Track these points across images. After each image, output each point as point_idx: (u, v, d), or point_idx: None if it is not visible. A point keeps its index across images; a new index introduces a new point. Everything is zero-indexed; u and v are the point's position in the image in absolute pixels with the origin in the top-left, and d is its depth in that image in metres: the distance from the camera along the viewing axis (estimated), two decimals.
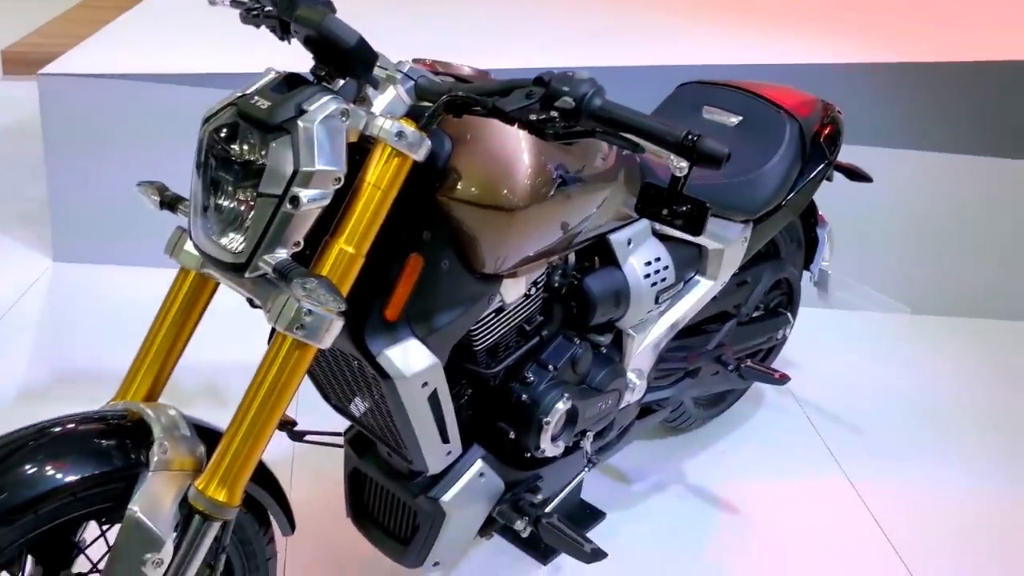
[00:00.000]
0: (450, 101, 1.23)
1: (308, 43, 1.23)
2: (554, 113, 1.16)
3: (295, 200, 1.13)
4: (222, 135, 1.20)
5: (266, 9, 1.39)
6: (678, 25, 3.59)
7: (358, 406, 1.54)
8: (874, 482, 2.34)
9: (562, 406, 1.60)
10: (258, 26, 1.42)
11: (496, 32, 3.29)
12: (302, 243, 1.18)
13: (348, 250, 1.21)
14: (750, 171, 1.94)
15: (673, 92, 2.17)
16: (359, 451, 1.67)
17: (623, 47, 3.24)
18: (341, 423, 1.66)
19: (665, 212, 1.18)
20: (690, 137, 1.12)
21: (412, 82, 1.28)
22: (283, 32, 1.38)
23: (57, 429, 1.22)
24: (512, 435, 1.61)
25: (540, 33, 3.38)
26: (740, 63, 3.00)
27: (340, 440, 1.72)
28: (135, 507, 1.17)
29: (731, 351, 2.13)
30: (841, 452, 2.45)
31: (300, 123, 1.14)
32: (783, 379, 2.16)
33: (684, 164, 1.12)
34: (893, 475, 2.39)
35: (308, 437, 1.69)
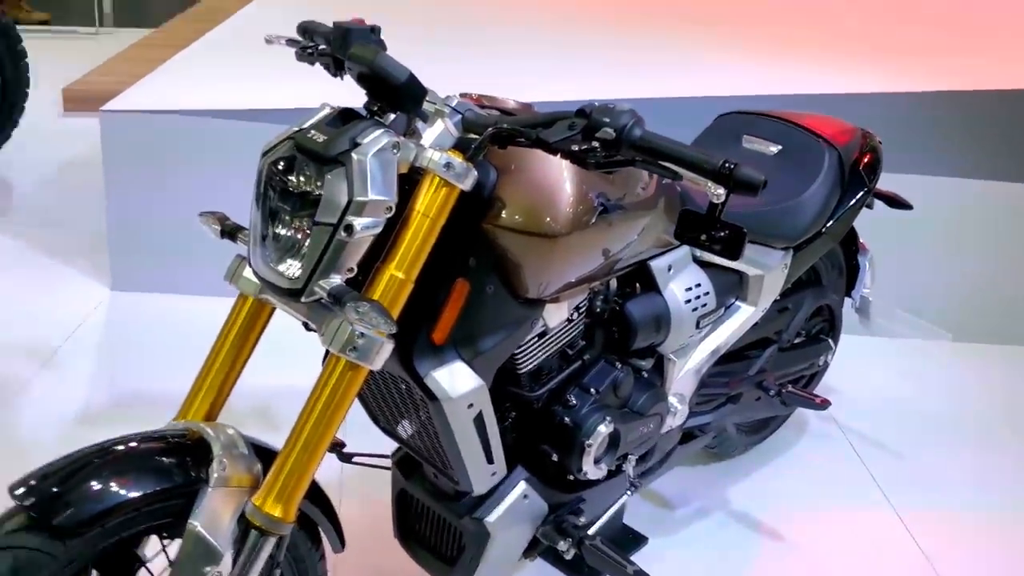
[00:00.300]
0: (495, 133, 1.28)
1: (361, 79, 1.29)
2: (595, 143, 1.21)
3: (349, 228, 1.19)
4: (280, 167, 1.27)
5: (320, 47, 1.47)
6: (716, 57, 3.64)
7: (405, 428, 1.59)
8: (919, 509, 2.33)
9: (604, 429, 1.63)
10: (312, 63, 1.49)
11: (538, 67, 3.37)
12: (355, 269, 1.24)
13: (398, 275, 1.26)
14: (789, 199, 1.97)
15: (713, 122, 2.21)
16: (406, 473, 1.72)
17: (663, 79, 3.29)
18: (388, 446, 1.71)
19: (703, 237, 1.22)
20: (727, 165, 1.16)
21: (459, 116, 1.33)
22: (336, 69, 1.46)
23: (121, 447, 1.29)
24: (555, 457, 1.64)
25: (582, 67, 3.45)
26: (778, 93, 3.03)
27: (387, 462, 1.76)
28: (196, 522, 1.23)
29: (773, 377, 2.14)
30: (885, 479, 2.44)
31: (354, 155, 1.20)
32: (824, 404, 2.17)
33: (721, 191, 1.16)
34: (938, 502, 2.37)
35: (357, 459, 1.74)
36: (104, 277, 3.01)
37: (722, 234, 1.21)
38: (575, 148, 1.23)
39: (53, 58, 3.97)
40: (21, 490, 1.19)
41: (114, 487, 1.22)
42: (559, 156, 1.25)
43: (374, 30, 1.40)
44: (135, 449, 1.29)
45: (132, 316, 2.87)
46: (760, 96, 2.95)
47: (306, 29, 1.52)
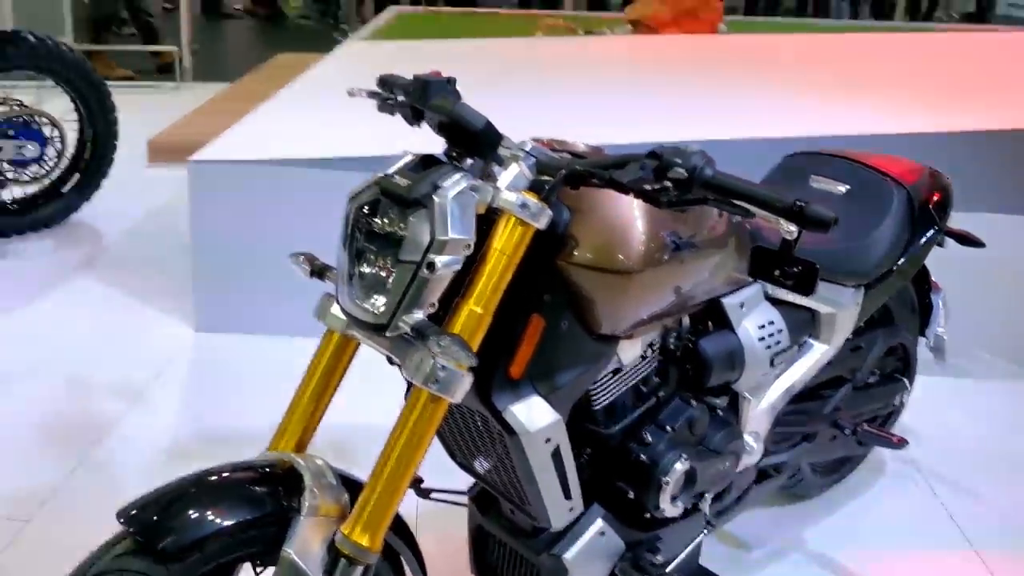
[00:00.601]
0: (569, 174, 1.34)
1: (441, 128, 1.36)
2: (668, 183, 1.25)
3: (431, 265, 1.25)
4: (366, 210, 1.34)
5: (399, 99, 1.55)
6: (780, 99, 3.66)
7: (482, 463, 1.62)
8: (1001, 550, 2.28)
9: (680, 467, 1.64)
10: (392, 114, 1.57)
11: (602, 113, 3.43)
12: (437, 305, 1.30)
13: (477, 310, 1.31)
14: (859, 237, 1.98)
15: (780, 162, 2.23)
16: (483, 509, 1.75)
17: (729, 121, 3.33)
18: (463, 483, 1.75)
19: (777, 273, 1.25)
20: (798, 203, 1.19)
21: (533, 159, 1.39)
22: (415, 118, 1.52)
23: (218, 476, 1.35)
24: (631, 494, 1.66)
25: (647, 112, 3.50)
26: (844, 134, 3.04)
27: (464, 498, 1.80)
28: (290, 549, 1.28)
29: (848, 416, 2.13)
30: (965, 520, 2.39)
31: (436, 198, 1.27)
32: (901, 443, 2.14)
33: (793, 228, 1.19)
34: (1020, 545, 2.32)
35: (434, 495, 1.78)
36: (188, 318, 3.13)
37: (795, 270, 1.24)
38: (648, 187, 1.27)
39: (136, 112, 4.16)
40: (128, 516, 1.26)
41: (214, 514, 1.28)
42: (632, 195, 1.30)
43: (450, 81, 1.47)
44: (231, 478, 1.35)
45: (216, 356, 2.98)
46: (825, 136, 2.96)
47: (385, 81, 1.60)
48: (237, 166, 2.90)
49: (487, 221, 1.34)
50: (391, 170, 1.35)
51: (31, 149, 3.65)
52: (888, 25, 8.05)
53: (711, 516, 1.85)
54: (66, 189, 3.88)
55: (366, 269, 1.35)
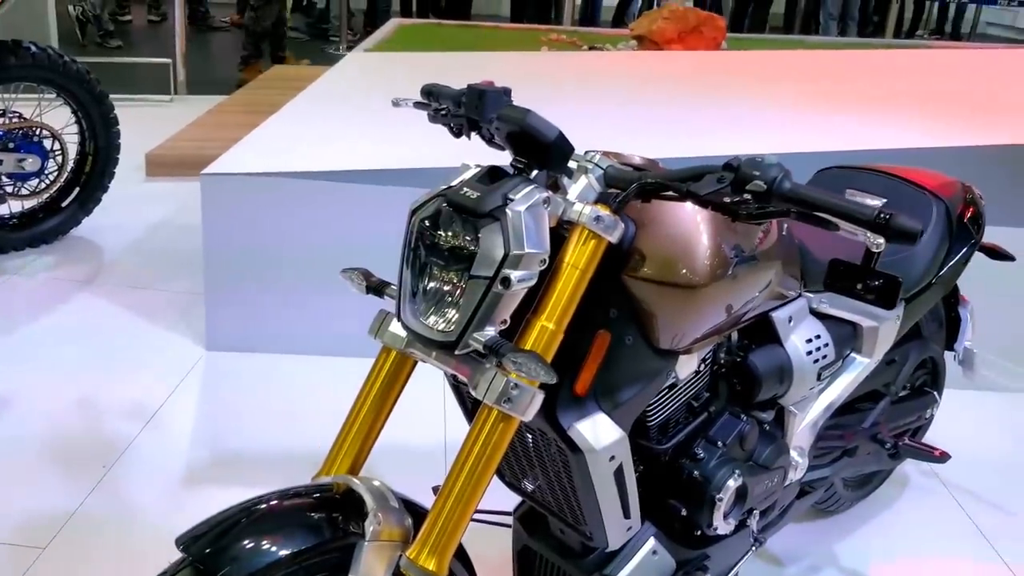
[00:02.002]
0: (642, 187, 1.31)
1: (509, 138, 1.33)
2: (747, 196, 1.23)
3: (506, 281, 1.22)
4: (431, 224, 1.30)
5: (451, 110, 1.51)
6: (799, 114, 3.67)
7: (533, 482, 1.59)
8: None
9: (733, 483, 1.62)
10: (446, 124, 1.54)
11: (639, 127, 3.42)
12: (509, 321, 1.26)
13: (549, 326, 1.28)
14: (900, 251, 1.96)
15: (813, 177, 2.22)
16: (529, 529, 1.71)
17: (760, 136, 3.32)
18: (506, 503, 1.71)
19: (859, 287, 1.23)
20: (883, 215, 1.16)
21: (601, 171, 1.36)
22: (471, 128, 1.49)
23: (276, 502, 1.30)
24: (684, 512, 1.63)
25: (684, 126, 3.49)
26: (874, 148, 3.04)
27: (508, 519, 1.76)
28: None
29: (886, 429, 2.12)
30: (993, 533, 2.39)
31: (508, 211, 1.23)
32: (944, 456, 2.13)
33: (881, 240, 1.17)
34: None
35: (477, 516, 1.74)
36: (199, 337, 3.07)
37: (877, 283, 1.22)
38: (726, 200, 1.24)
39: (131, 125, 4.09)
40: (187, 543, 1.21)
41: (275, 542, 1.23)
42: (710, 208, 1.27)
43: (506, 92, 1.44)
44: (290, 504, 1.30)
45: (230, 376, 2.92)
46: (855, 151, 2.96)
47: (431, 92, 1.56)
48: (250, 179, 2.84)
49: (555, 234, 1.30)
50: (455, 182, 1.32)
51: (31, 162, 3.57)
52: (880, 42, 8.12)
53: (758, 532, 1.83)
54: (66, 203, 3.81)
55: (430, 284, 1.31)
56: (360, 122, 3.34)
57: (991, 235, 2.31)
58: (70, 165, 3.78)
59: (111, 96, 3.85)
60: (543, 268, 1.26)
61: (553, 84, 4.10)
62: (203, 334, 3.06)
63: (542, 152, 1.29)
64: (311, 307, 2.92)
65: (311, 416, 2.63)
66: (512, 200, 1.24)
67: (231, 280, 2.94)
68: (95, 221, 3.92)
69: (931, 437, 2.55)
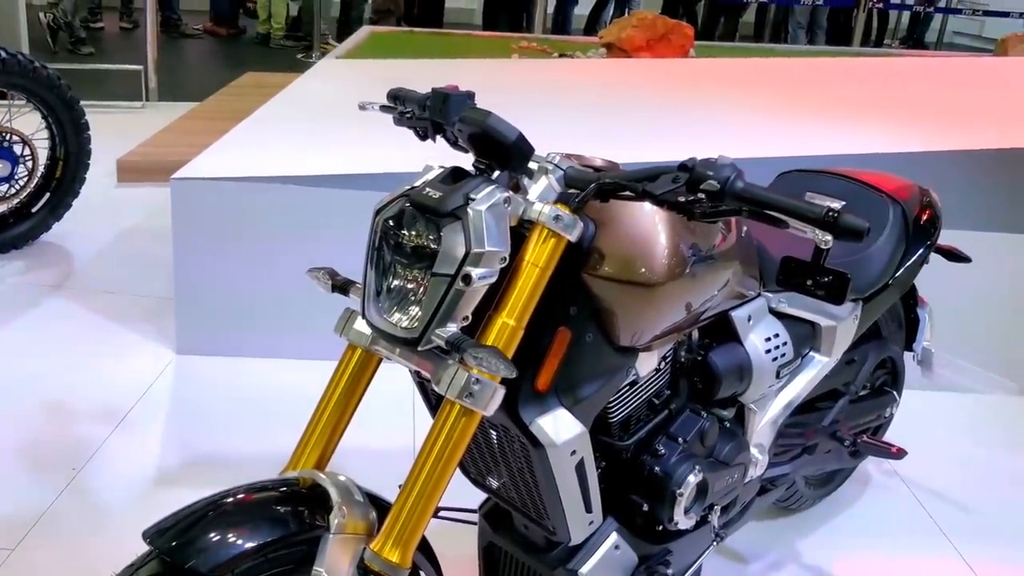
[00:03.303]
0: (600, 187, 1.35)
1: (471, 140, 1.36)
2: (701, 195, 1.27)
3: (467, 278, 1.25)
4: (395, 223, 1.33)
5: (417, 113, 1.54)
6: (763, 121, 3.73)
7: (497, 478, 1.62)
8: (988, 560, 2.33)
9: (693, 479, 1.65)
10: (411, 127, 1.57)
11: (595, 132, 3.46)
12: (470, 318, 1.29)
13: (510, 323, 1.31)
14: (857, 252, 2.01)
15: (773, 181, 2.27)
16: (495, 525, 1.74)
17: (723, 140, 3.38)
18: (469, 501, 1.73)
19: (809, 283, 1.27)
20: (831, 213, 1.21)
21: (561, 172, 1.39)
22: (435, 131, 1.52)
23: (242, 495, 1.32)
24: (645, 507, 1.66)
25: (640, 132, 3.54)
26: (833, 153, 3.10)
27: (474, 516, 1.79)
28: (321, 568, 1.26)
29: (846, 428, 2.16)
30: (953, 531, 2.44)
31: (469, 210, 1.27)
32: (900, 453, 2.18)
33: (829, 237, 1.21)
34: (1008, 555, 2.37)
35: (443, 513, 1.77)
36: (169, 341, 3.07)
37: (827, 279, 1.26)
38: (680, 200, 1.28)
39: (102, 131, 4.09)
40: (154, 536, 1.23)
41: (241, 534, 1.25)
42: (665, 207, 1.31)
43: (470, 95, 1.47)
44: (256, 497, 1.32)
45: (199, 379, 2.93)
46: (815, 156, 3.02)
47: (397, 96, 1.59)
48: (221, 184, 2.86)
49: (516, 233, 1.34)
50: (419, 182, 1.35)
51: (1, 167, 3.56)
52: (848, 50, 8.24)
53: (719, 528, 1.87)
54: (37, 209, 3.79)
55: (394, 283, 1.34)
56: (329, 128, 3.36)
57: (949, 238, 2.38)
58: (40, 170, 3.77)
59: (83, 103, 3.84)
60: (504, 266, 1.29)
61: (521, 90, 4.14)
62: (173, 338, 3.06)
63: (503, 153, 1.33)
64: (281, 311, 2.93)
65: (281, 419, 2.61)
66: (473, 200, 1.28)
67: (201, 284, 2.95)
68: (66, 226, 3.91)
69: (892, 436, 2.60)
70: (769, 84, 4.54)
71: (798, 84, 4.62)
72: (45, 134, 3.77)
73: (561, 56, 5.79)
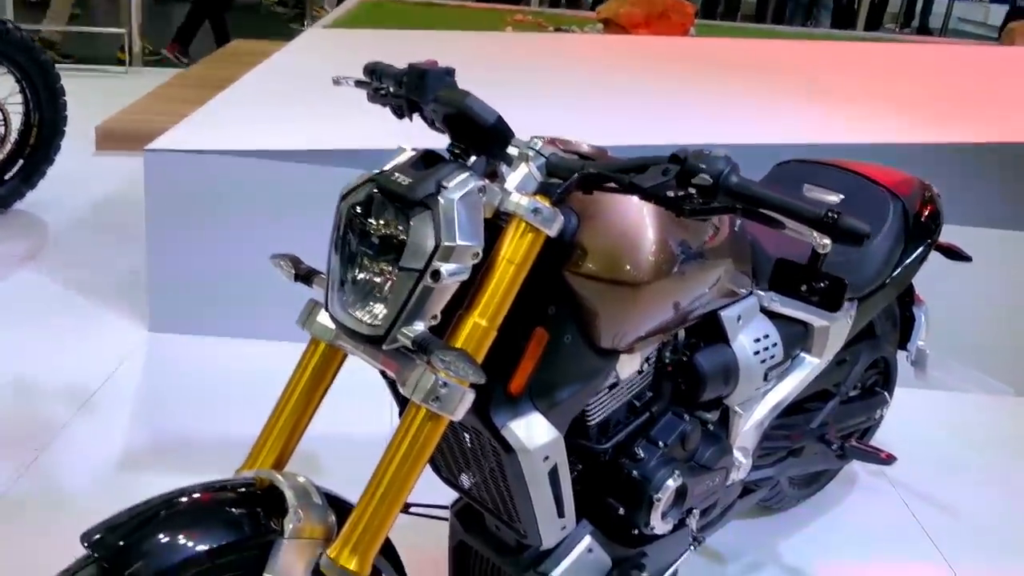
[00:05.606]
0: (584, 177, 1.25)
1: (447, 121, 1.27)
2: (691, 190, 1.18)
3: (436, 274, 1.16)
4: (361, 210, 1.24)
5: (392, 90, 1.44)
6: (771, 106, 3.64)
7: (469, 478, 1.54)
8: (973, 564, 2.28)
9: (672, 483, 1.58)
10: (385, 104, 1.47)
11: (588, 111, 3.36)
12: (440, 316, 1.20)
13: (482, 323, 1.23)
14: (853, 249, 1.93)
15: (771, 171, 2.18)
16: (466, 524, 1.67)
17: (718, 126, 3.28)
18: (443, 497, 1.66)
19: (804, 288, 1.19)
20: (830, 215, 1.12)
21: (543, 159, 1.30)
22: (410, 110, 1.42)
23: (192, 497, 1.24)
24: (621, 511, 1.59)
25: (638, 115, 3.45)
26: (830, 142, 3.01)
27: (445, 513, 1.71)
28: (271, 574, 1.18)
29: (834, 430, 2.09)
30: (938, 534, 2.38)
31: (441, 199, 1.17)
32: (889, 459, 2.12)
33: (827, 241, 1.13)
34: (993, 559, 2.32)
35: (414, 509, 1.69)
36: (141, 318, 2.98)
37: (822, 285, 1.18)
38: (670, 194, 1.19)
39: (83, 97, 3.97)
40: (93, 540, 1.15)
41: (188, 538, 1.17)
42: (653, 202, 1.22)
43: (449, 72, 1.37)
44: (206, 499, 1.24)
45: (171, 358, 2.84)
46: (816, 145, 2.93)
47: (373, 70, 1.49)
48: (196, 156, 2.76)
49: (492, 225, 1.25)
50: (388, 166, 1.25)
51: None
52: (850, 34, 8.13)
53: (697, 531, 1.80)
54: (9, 175, 3.69)
55: (360, 275, 1.25)
56: (310, 100, 3.25)
57: (951, 234, 2.30)
58: (13, 136, 3.66)
59: (66, 67, 3.73)
60: (476, 262, 1.20)
61: (509, 68, 4.04)
62: (147, 315, 2.97)
63: (480, 137, 1.24)
64: (258, 290, 2.83)
65: (255, 404, 2.54)
66: (446, 188, 1.18)
67: (175, 260, 2.85)
68: (40, 195, 3.80)
69: (881, 435, 2.54)
70: (768, 67, 4.43)
71: (799, 69, 4.51)
72: (19, 99, 3.65)
73: (557, 31, 5.67)
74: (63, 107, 3.74)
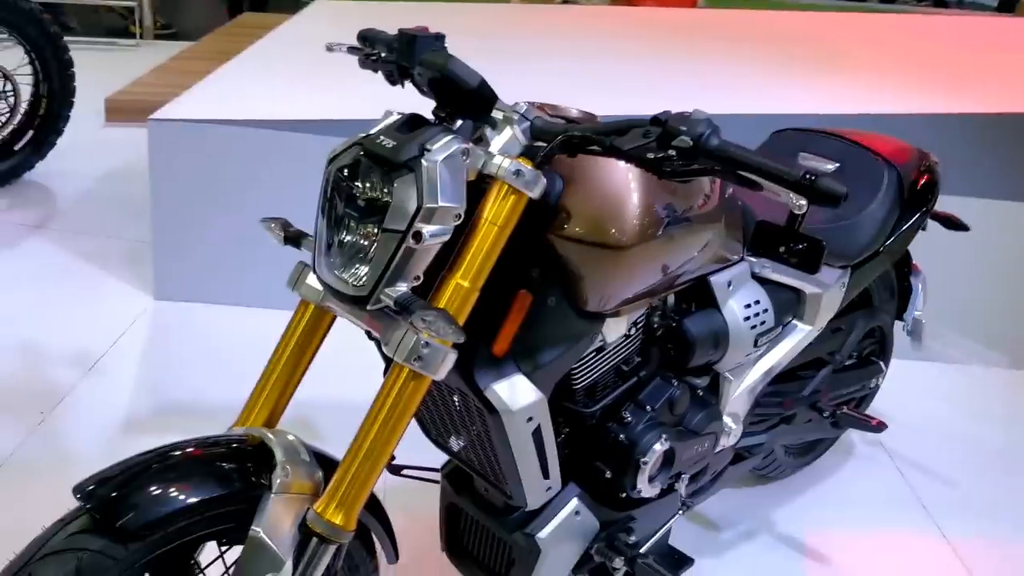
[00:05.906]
0: (567, 140, 1.27)
1: (431, 85, 1.28)
2: (672, 152, 1.19)
3: (418, 235, 1.18)
4: (347, 173, 1.26)
5: (383, 55, 1.45)
6: (763, 76, 3.62)
7: (458, 440, 1.56)
8: (968, 536, 2.29)
9: (659, 447, 1.60)
10: (376, 71, 1.48)
11: (585, 82, 3.36)
12: (422, 277, 1.22)
13: (464, 284, 1.24)
14: (848, 216, 1.94)
15: (767, 139, 2.18)
16: (456, 486, 1.69)
17: (715, 96, 3.27)
18: (436, 460, 1.69)
19: (781, 250, 1.20)
20: (808, 176, 1.13)
21: (528, 123, 1.31)
22: (400, 76, 1.43)
23: (183, 451, 1.27)
24: (608, 474, 1.61)
25: (631, 84, 3.44)
26: (833, 112, 3.00)
27: (436, 476, 1.74)
28: (259, 528, 1.21)
29: (827, 398, 2.10)
30: (934, 505, 2.40)
31: (424, 162, 1.19)
32: (880, 427, 2.12)
33: (803, 202, 1.14)
34: (988, 530, 2.33)
35: (406, 471, 1.72)
36: (147, 286, 3.02)
37: (800, 247, 1.19)
38: (650, 156, 1.20)
39: (94, 69, 4.00)
40: (85, 492, 1.18)
41: (178, 491, 1.20)
42: (633, 164, 1.23)
43: (439, 37, 1.38)
44: (197, 454, 1.27)
45: (176, 325, 2.88)
46: (814, 115, 2.92)
47: (366, 37, 1.50)
48: (200, 126, 2.78)
49: (476, 189, 1.26)
50: (374, 130, 1.27)
51: None
52: (864, 6, 8.04)
53: (686, 497, 1.82)
54: (19, 146, 3.73)
55: (346, 237, 1.27)
56: (315, 71, 3.26)
57: (951, 204, 2.29)
58: (23, 107, 3.69)
59: (76, 39, 3.75)
60: (459, 223, 1.22)
61: (512, 38, 4.03)
62: (152, 283, 3.00)
63: (464, 100, 1.25)
64: (261, 258, 2.86)
65: (254, 367, 2.58)
66: (429, 151, 1.20)
67: (180, 229, 2.88)
68: (49, 165, 3.84)
69: (877, 406, 2.55)
70: (776, 39, 4.40)
71: (807, 40, 4.48)
72: (28, 70, 3.68)
73: (564, 2, 5.64)
74: (71, 78, 3.76)
